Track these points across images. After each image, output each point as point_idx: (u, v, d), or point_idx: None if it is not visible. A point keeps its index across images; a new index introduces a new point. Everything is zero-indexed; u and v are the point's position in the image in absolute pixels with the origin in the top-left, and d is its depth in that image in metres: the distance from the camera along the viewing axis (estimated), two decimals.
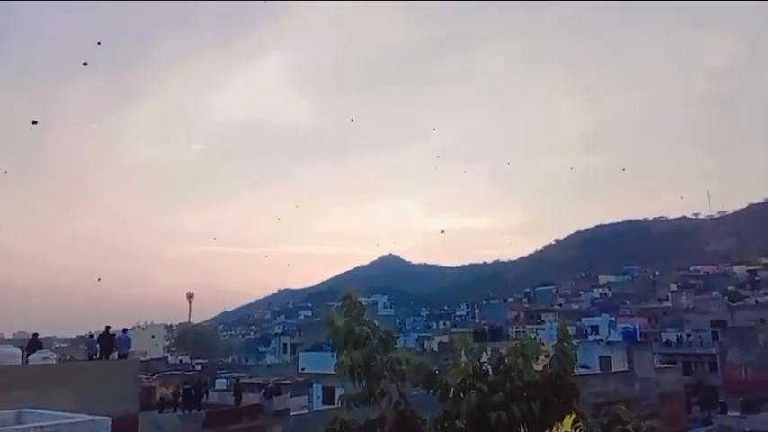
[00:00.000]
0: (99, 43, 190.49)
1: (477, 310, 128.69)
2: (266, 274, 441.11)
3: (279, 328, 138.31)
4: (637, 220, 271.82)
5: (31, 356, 21.72)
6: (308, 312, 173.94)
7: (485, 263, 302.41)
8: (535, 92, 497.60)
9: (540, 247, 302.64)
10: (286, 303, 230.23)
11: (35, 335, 25.22)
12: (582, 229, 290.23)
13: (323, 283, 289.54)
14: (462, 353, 5.89)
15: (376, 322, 6.02)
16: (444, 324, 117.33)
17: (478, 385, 5.33)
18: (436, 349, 57.43)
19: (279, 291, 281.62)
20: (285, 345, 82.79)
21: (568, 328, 6.28)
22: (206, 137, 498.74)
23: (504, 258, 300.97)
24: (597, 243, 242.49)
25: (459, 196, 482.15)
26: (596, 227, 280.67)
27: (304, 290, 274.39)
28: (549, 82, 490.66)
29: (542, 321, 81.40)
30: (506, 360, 5.58)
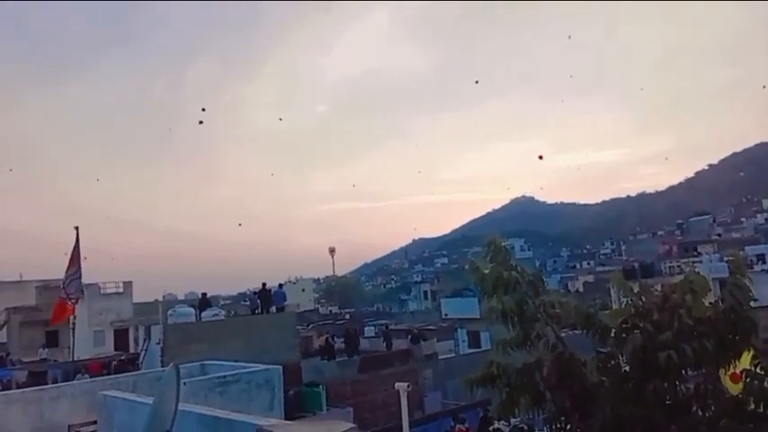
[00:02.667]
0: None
1: (623, 247, 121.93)
2: (401, 225, 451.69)
3: (417, 276, 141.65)
4: None
5: (203, 314, 24.29)
6: (444, 260, 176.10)
7: (628, 196, 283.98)
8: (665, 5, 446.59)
9: (690, 174, 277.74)
10: (422, 252, 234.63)
11: (204, 294, 28.05)
12: (739, 149, 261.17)
13: (456, 230, 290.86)
14: (613, 291, 5.62)
15: (524, 267, 5.89)
16: (588, 264, 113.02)
17: (642, 325, 5.05)
18: (581, 290, 55.71)
19: (414, 240, 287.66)
20: (425, 292, 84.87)
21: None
22: (327, 97, 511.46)
23: (650, 189, 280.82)
24: (759, 164, 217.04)
25: (592, 129, 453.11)
26: (756, 146, 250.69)
27: (438, 238, 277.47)
28: None
29: (699, 254, 75.25)
30: (672, 297, 5.22)
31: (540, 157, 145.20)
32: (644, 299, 5.40)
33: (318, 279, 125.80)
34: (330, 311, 79.25)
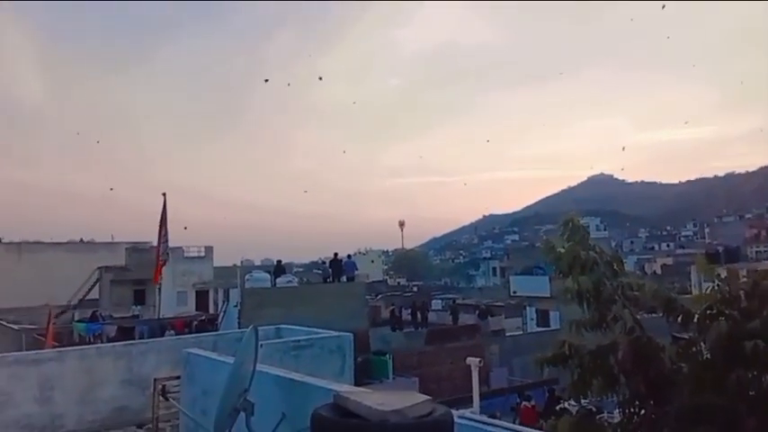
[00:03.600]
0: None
1: (706, 230, 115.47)
2: (471, 200, 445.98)
3: (486, 252, 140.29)
4: None
5: (277, 280, 25.19)
6: (515, 237, 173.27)
7: (715, 176, 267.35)
8: None
9: None
10: (492, 228, 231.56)
11: (279, 261, 29.02)
12: None
13: (528, 207, 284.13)
14: (694, 274, 5.37)
15: (601, 246, 5.73)
16: (667, 246, 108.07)
17: (729, 312, 4.82)
18: (659, 272, 53.45)
19: (484, 216, 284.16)
20: (494, 269, 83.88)
21: None
22: (401, 71, 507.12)
23: (740, 170, 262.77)
24: None
25: (677, 106, 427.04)
26: None
27: (509, 215, 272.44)
28: None
29: None
30: (762, 284, 4.95)
31: (623, 149, 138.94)
32: (730, 285, 5.14)
33: (387, 251, 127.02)
34: (398, 283, 80.00)
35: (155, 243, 16.75)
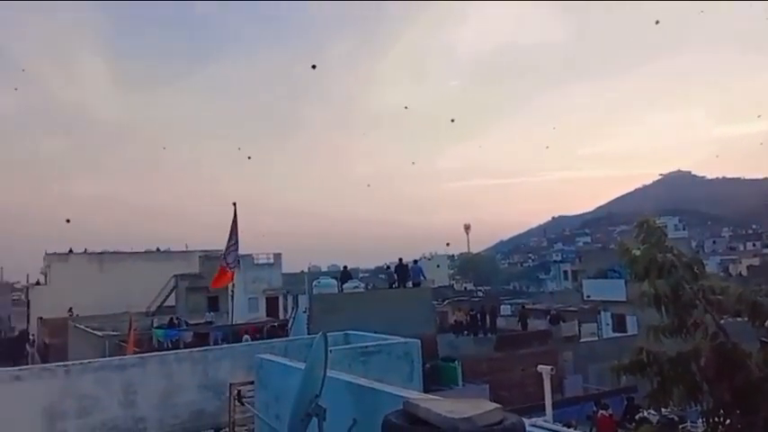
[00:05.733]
0: None
1: None
2: (538, 201, 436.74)
3: (557, 255, 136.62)
4: None
5: (344, 286, 25.50)
6: (587, 239, 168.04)
7: None
8: None
9: None
10: (562, 230, 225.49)
11: (345, 267, 29.44)
12: None
13: (600, 207, 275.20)
14: None
15: (679, 248, 5.47)
16: (753, 245, 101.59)
17: None
18: (744, 273, 50.38)
19: (553, 218, 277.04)
20: (565, 272, 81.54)
21: None
22: (460, 72, 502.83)
23: None
24: None
25: (763, 95, 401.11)
26: None
27: (580, 216, 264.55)
28: None
29: None
30: None
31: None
32: None
33: (453, 256, 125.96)
34: (465, 288, 79.16)
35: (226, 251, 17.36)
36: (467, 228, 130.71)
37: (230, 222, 15.24)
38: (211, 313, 33.59)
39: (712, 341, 4.85)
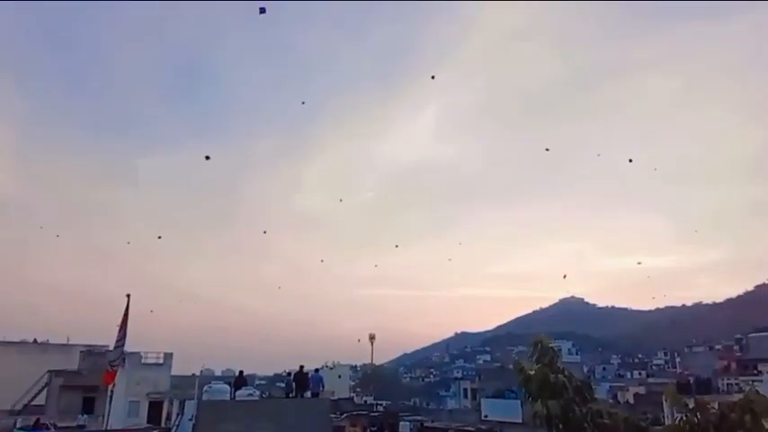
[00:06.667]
0: (303, 103, 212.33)
1: (677, 359, 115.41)
2: (443, 316, 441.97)
3: (458, 372, 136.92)
4: None
5: (237, 392, 24.01)
6: (487, 356, 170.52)
7: (683, 305, 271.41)
8: (706, 118, 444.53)
9: (750, 287, 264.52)
10: (464, 347, 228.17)
11: (241, 372, 27.85)
12: None
13: (500, 326, 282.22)
14: (666, 405, 5.30)
15: (571, 371, 5.67)
16: (639, 374, 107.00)
17: None
18: (632, 401, 52.56)
19: (456, 334, 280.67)
20: (465, 390, 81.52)
21: None
22: (377, 185, 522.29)
23: (707, 300, 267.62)
24: None
25: (644, 234, 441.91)
26: None
27: (481, 333, 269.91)
28: (722, 105, 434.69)
29: (759, 372, 70.39)
30: (730, 417, 4.89)
31: (564, 276, 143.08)
32: (699, 416, 5.07)
33: (356, 366, 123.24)
34: (365, 401, 76.91)
35: (111, 347, 16.06)
36: (371, 338, 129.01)
37: (123, 315, 14.29)
38: (85, 416, 30.34)
39: None
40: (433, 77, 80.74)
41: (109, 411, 17.48)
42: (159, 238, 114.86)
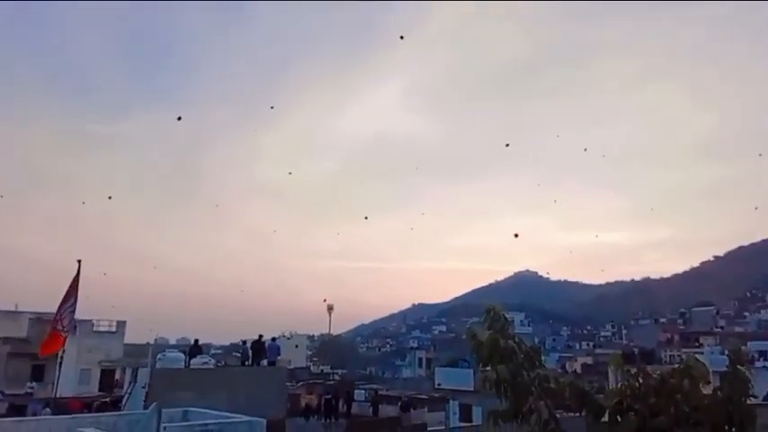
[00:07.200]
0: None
1: (624, 331, 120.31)
2: (401, 288, 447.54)
3: (414, 342, 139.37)
4: None
5: (192, 361, 23.86)
6: (443, 327, 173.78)
7: (632, 280, 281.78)
8: (665, 102, 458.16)
9: (695, 264, 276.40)
10: (420, 318, 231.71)
11: (196, 341, 27.62)
12: (746, 243, 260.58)
13: (456, 298, 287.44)
14: (611, 374, 5.52)
15: (522, 337, 5.81)
16: (587, 345, 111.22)
17: (638, 407, 4.94)
18: (579, 371, 54.62)
19: (413, 305, 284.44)
20: (420, 359, 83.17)
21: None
22: (338, 157, 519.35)
23: (655, 275, 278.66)
24: (764, 259, 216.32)
25: (597, 211, 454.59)
26: (763, 241, 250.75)
27: (438, 305, 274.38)
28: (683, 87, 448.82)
29: (700, 345, 74.15)
30: (669, 381, 5.12)
31: (516, 236, 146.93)
32: (641, 381, 5.30)
33: (313, 336, 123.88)
34: (321, 371, 77.63)
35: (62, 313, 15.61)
36: (330, 309, 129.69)
37: (72, 280, 13.89)
38: (34, 383, 29.67)
39: (545, 428, 5.11)
40: (402, 38, 79.95)
41: (58, 378, 17.08)
42: (110, 198, 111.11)
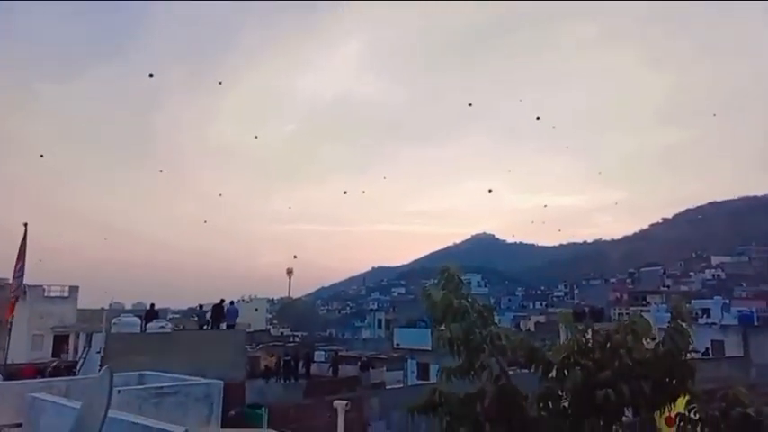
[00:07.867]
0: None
1: (576, 291, 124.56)
2: (360, 251, 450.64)
3: (373, 304, 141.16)
4: (754, 197, 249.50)
5: (148, 325, 23.62)
6: (402, 290, 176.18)
7: (585, 242, 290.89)
8: (623, 66, 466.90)
9: (645, 226, 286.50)
10: (380, 280, 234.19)
11: (152, 305, 27.31)
12: (692, 206, 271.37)
13: (416, 261, 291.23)
14: (562, 331, 5.73)
15: (475, 296, 5.95)
16: (541, 304, 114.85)
17: (584, 362, 5.15)
18: (533, 329, 56.39)
19: (373, 268, 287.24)
20: (380, 320, 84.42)
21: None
22: (297, 118, 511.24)
23: (606, 237, 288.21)
24: (709, 221, 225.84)
25: (553, 174, 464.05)
26: (708, 204, 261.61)
27: (397, 267, 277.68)
28: (641, 53, 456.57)
29: (648, 303, 77.50)
30: (614, 337, 5.34)
31: (490, 191, 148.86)
32: (588, 337, 5.51)
33: (273, 300, 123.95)
34: (281, 333, 77.98)
35: (11, 279, 15.14)
36: (289, 272, 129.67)
37: (20, 245, 13.44)
38: None
39: (496, 383, 5.29)
40: None
41: (8, 344, 16.65)
42: (41, 156, 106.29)
